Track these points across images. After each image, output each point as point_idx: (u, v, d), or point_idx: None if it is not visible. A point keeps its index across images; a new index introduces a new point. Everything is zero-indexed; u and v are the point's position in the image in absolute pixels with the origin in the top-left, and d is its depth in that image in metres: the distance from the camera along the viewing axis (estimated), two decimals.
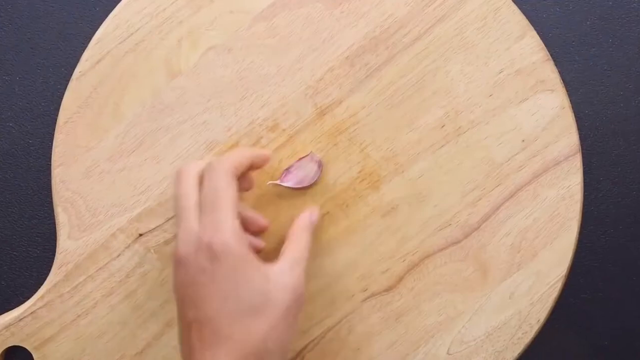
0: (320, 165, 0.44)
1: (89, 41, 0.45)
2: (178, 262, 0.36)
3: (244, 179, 0.41)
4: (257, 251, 0.41)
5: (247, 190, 0.43)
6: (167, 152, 0.45)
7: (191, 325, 0.35)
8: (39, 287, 0.46)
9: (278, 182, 0.44)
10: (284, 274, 0.37)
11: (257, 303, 0.35)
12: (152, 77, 0.45)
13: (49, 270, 0.45)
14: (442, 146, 0.45)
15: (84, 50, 0.45)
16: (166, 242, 0.45)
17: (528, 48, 0.45)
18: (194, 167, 0.39)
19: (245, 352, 0.34)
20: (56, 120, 0.45)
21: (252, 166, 0.40)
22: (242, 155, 0.39)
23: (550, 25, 0.50)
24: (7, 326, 0.45)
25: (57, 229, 0.45)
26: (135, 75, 0.45)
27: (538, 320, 0.45)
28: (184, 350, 0.36)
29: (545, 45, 0.45)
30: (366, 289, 0.45)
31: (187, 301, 0.36)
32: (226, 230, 0.35)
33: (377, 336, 0.45)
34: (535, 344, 0.45)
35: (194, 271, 0.35)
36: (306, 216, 0.42)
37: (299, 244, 0.39)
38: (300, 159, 0.44)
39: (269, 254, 0.45)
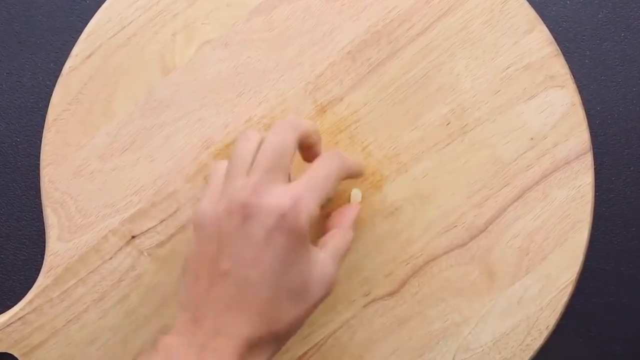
0: None
1: (79, 35, 0.45)
2: (219, 214, 0.35)
3: None
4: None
5: None
6: (161, 151, 0.45)
7: (221, 277, 0.34)
8: (28, 291, 0.45)
9: None
10: (327, 265, 0.37)
11: (297, 288, 0.35)
12: (145, 72, 0.45)
13: (38, 274, 0.45)
14: (447, 144, 0.45)
15: (73, 45, 0.45)
16: (160, 245, 0.45)
17: (537, 42, 0.45)
18: (257, 133, 0.38)
19: (267, 330, 0.34)
20: (45, 117, 0.45)
21: (309, 144, 0.39)
22: (312, 126, 0.39)
23: (560, 19, 0.50)
24: None
25: (46, 230, 0.45)
26: (127, 71, 0.45)
27: (547, 326, 0.45)
28: (191, 298, 0.35)
29: (555, 40, 0.45)
30: (368, 294, 0.45)
31: (226, 252, 0.34)
32: (305, 205, 0.34)
33: (380, 342, 0.45)
34: (544, 350, 0.45)
35: (244, 227, 0.34)
36: (356, 210, 0.42)
37: (345, 236, 0.40)
38: None
39: None
